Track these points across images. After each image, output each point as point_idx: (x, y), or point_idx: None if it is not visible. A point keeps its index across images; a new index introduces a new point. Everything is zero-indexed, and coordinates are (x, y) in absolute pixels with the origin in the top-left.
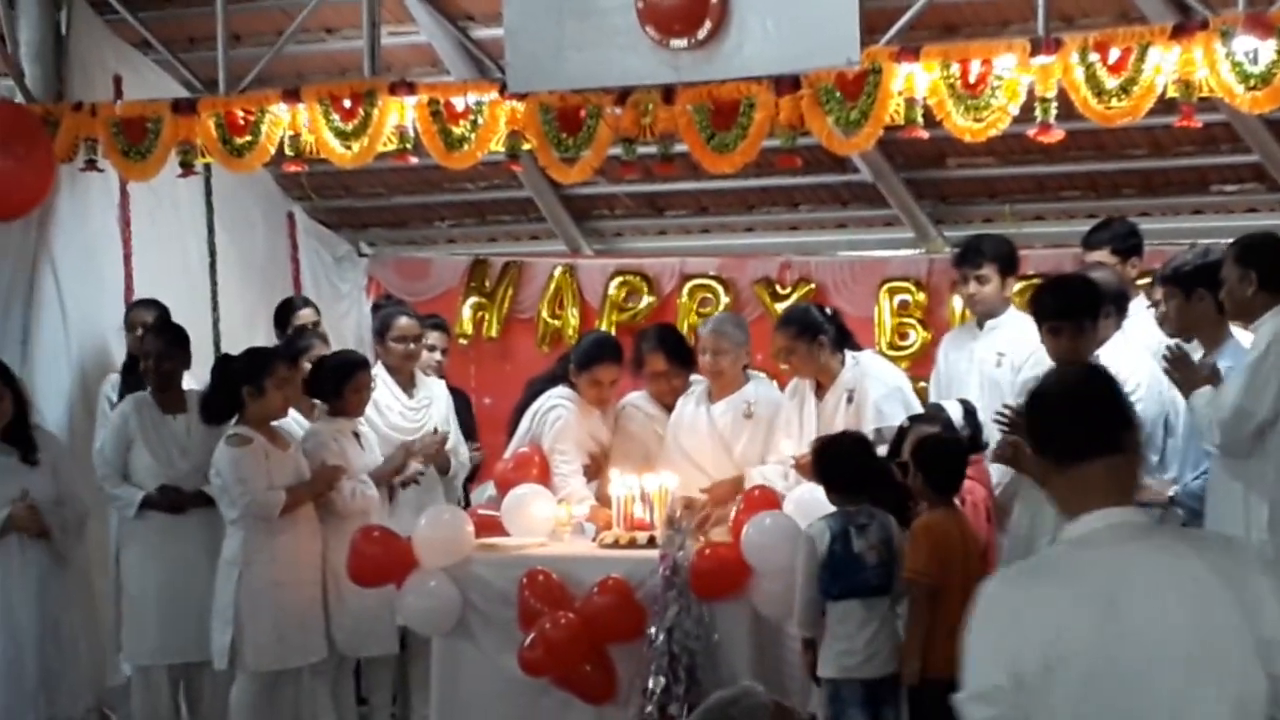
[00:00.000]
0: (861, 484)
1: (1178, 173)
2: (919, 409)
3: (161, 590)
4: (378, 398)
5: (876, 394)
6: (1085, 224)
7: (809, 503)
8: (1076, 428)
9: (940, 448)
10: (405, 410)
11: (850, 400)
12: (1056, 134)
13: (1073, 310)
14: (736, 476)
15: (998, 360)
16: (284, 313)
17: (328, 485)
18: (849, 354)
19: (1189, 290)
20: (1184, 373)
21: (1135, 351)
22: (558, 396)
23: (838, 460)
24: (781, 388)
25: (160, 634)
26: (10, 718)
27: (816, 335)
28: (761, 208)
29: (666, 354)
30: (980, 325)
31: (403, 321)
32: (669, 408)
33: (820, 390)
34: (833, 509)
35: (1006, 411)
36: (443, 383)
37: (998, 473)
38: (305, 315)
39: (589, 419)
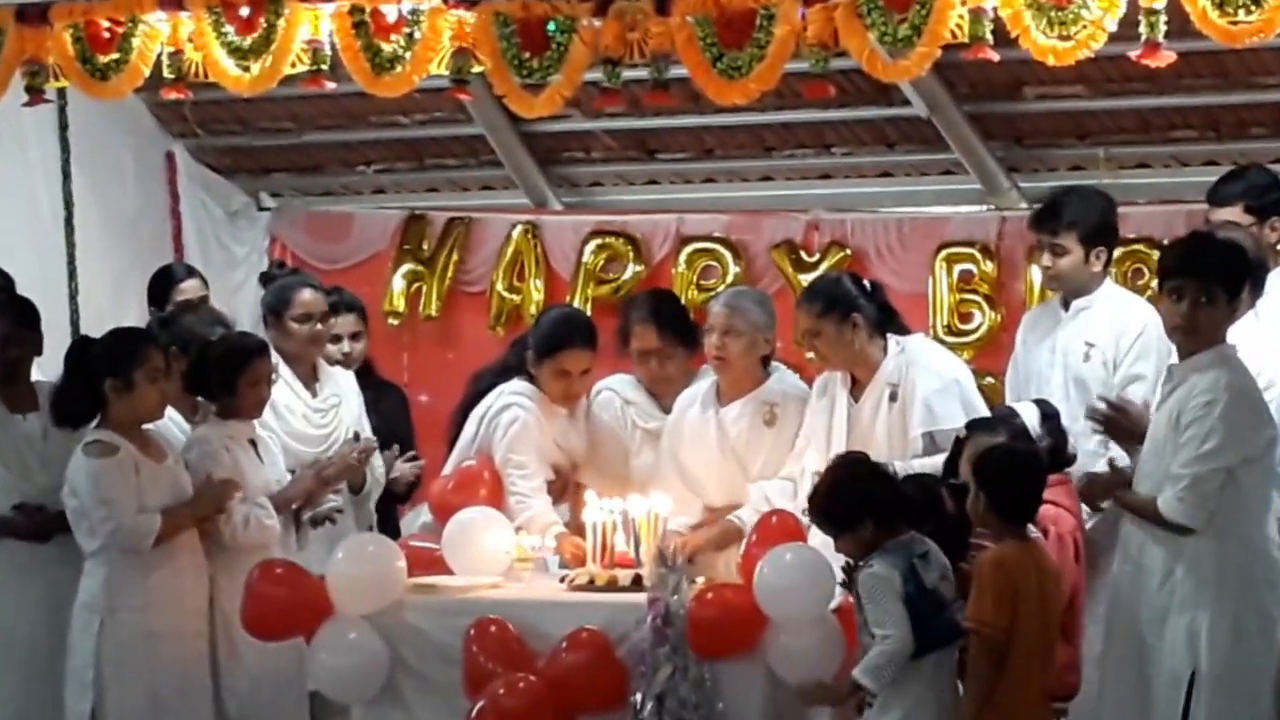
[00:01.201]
0: (895, 511)
1: None
2: (983, 411)
3: (15, 644)
4: (276, 397)
5: (926, 388)
6: (1202, 173)
7: None
8: None
9: (1010, 461)
10: (310, 412)
11: (894, 399)
12: (1166, 56)
13: (1205, 269)
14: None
15: (1086, 353)
16: (161, 284)
17: (216, 506)
18: (892, 339)
19: None
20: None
21: (1272, 337)
22: (512, 393)
23: (829, 505)
24: (807, 380)
25: (12, 701)
26: None
27: (849, 313)
28: (783, 150)
29: (660, 326)
30: (1065, 306)
31: (306, 295)
32: (659, 397)
33: (856, 388)
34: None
35: (1101, 407)
36: (351, 375)
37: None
38: (189, 288)
39: (553, 421)
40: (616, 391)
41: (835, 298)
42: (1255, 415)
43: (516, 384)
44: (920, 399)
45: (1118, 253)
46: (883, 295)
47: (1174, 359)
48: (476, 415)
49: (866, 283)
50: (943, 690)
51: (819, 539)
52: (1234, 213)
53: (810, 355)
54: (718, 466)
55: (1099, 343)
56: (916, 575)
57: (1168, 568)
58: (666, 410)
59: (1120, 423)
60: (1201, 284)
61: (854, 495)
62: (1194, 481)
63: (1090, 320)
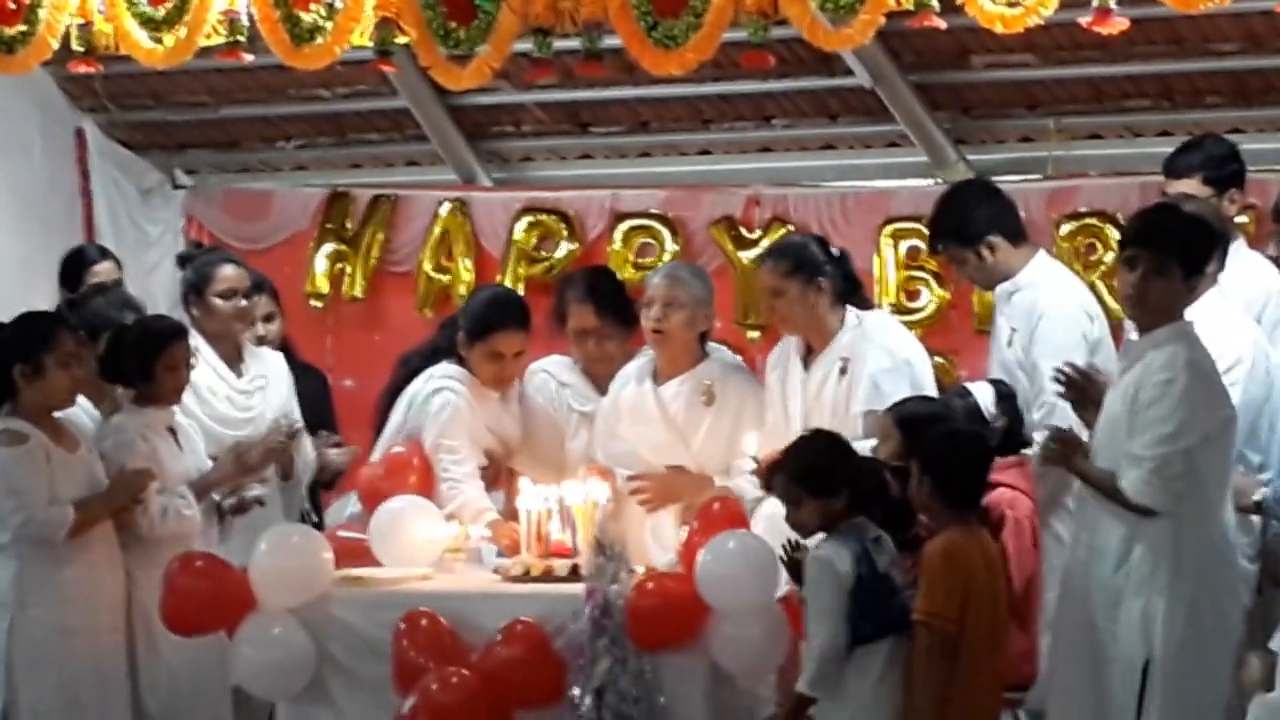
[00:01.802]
0: (855, 493)
1: None
2: (932, 393)
3: None
4: (198, 379)
5: (876, 366)
6: (1156, 144)
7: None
8: None
9: (954, 443)
10: (234, 394)
11: (844, 372)
12: (1119, 23)
13: (1160, 241)
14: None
15: (1009, 337)
16: (73, 266)
17: (131, 496)
18: (852, 311)
19: None
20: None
21: (1234, 315)
22: (442, 376)
23: (813, 465)
24: (749, 361)
25: None
26: None
27: (814, 276)
28: (721, 123)
29: (598, 305)
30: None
31: (227, 271)
32: (596, 379)
33: (810, 356)
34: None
35: (1068, 370)
36: (280, 356)
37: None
38: (103, 270)
39: (485, 405)
40: (551, 374)
41: (803, 259)
42: (1212, 394)
43: (446, 367)
44: (868, 375)
45: (1070, 226)
46: (848, 264)
47: (1132, 334)
48: (405, 399)
49: (834, 249)
50: (896, 683)
51: (762, 526)
52: (1192, 185)
53: (770, 315)
54: (659, 443)
55: (1020, 327)
56: (870, 558)
57: (1124, 550)
58: (603, 393)
59: (1088, 391)
60: (1155, 255)
61: (836, 463)
62: (1160, 464)
63: (1015, 303)
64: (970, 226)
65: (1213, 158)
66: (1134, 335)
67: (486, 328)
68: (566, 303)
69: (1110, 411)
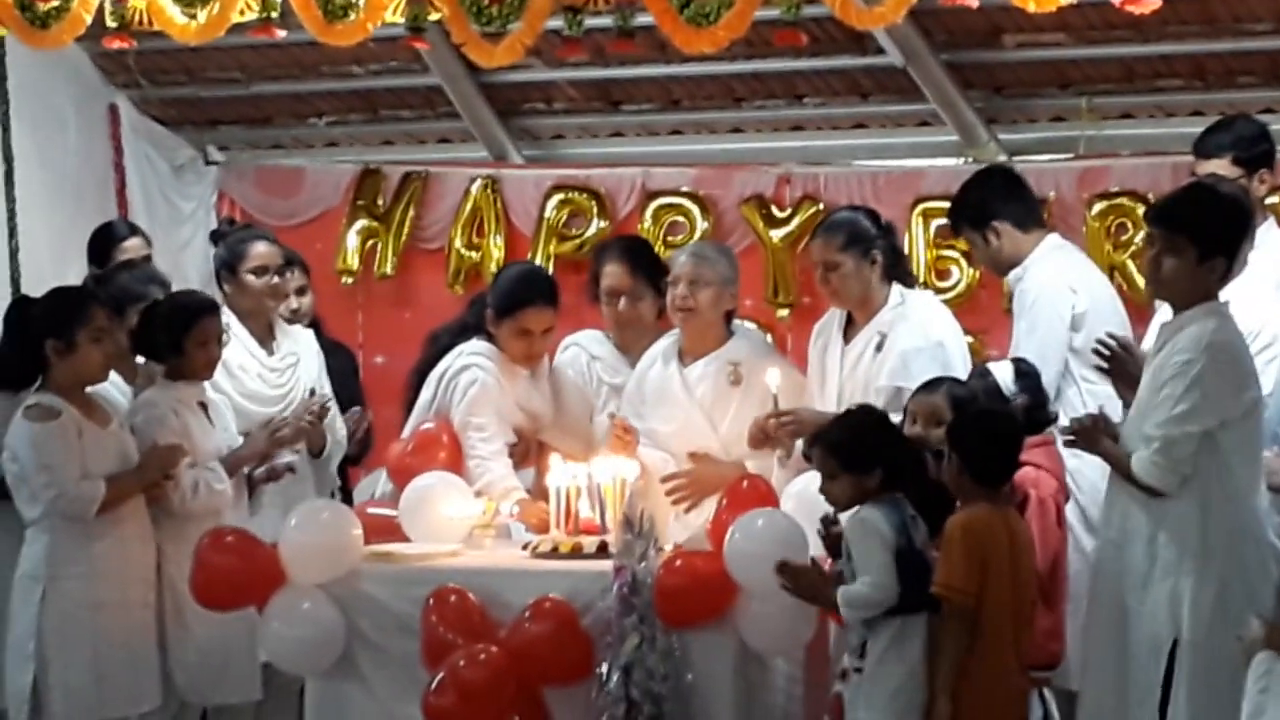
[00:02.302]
0: (898, 469)
1: None
2: (963, 376)
3: None
4: (229, 357)
5: (909, 344)
6: (1188, 123)
7: (815, 499)
8: None
9: (984, 422)
10: (265, 371)
11: (879, 348)
12: (1151, 2)
13: (1174, 220)
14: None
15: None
16: (102, 243)
17: (163, 471)
18: (897, 289)
19: None
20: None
21: (1263, 293)
22: (471, 353)
23: (851, 440)
24: (778, 339)
25: None
26: None
27: (869, 249)
28: (753, 101)
29: (632, 264)
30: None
31: (260, 248)
32: (627, 349)
33: (851, 330)
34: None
35: (1110, 343)
36: (310, 333)
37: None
38: (131, 247)
39: (514, 382)
40: (583, 346)
41: (857, 232)
42: (1236, 377)
43: (475, 344)
44: (898, 352)
45: (1101, 206)
46: (895, 237)
47: (1164, 315)
48: (434, 377)
49: (884, 221)
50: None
51: (791, 504)
52: (1222, 165)
53: (822, 287)
54: (684, 424)
55: (1018, 311)
56: (908, 532)
57: (1151, 532)
58: (634, 365)
59: (1127, 363)
60: (1167, 233)
61: (876, 439)
62: (1166, 444)
63: (1018, 291)
64: (978, 210)
65: (1243, 138)
66: (1166, 316)
67: (515, 304)
68: (602, 263)
69: (1141, 392)
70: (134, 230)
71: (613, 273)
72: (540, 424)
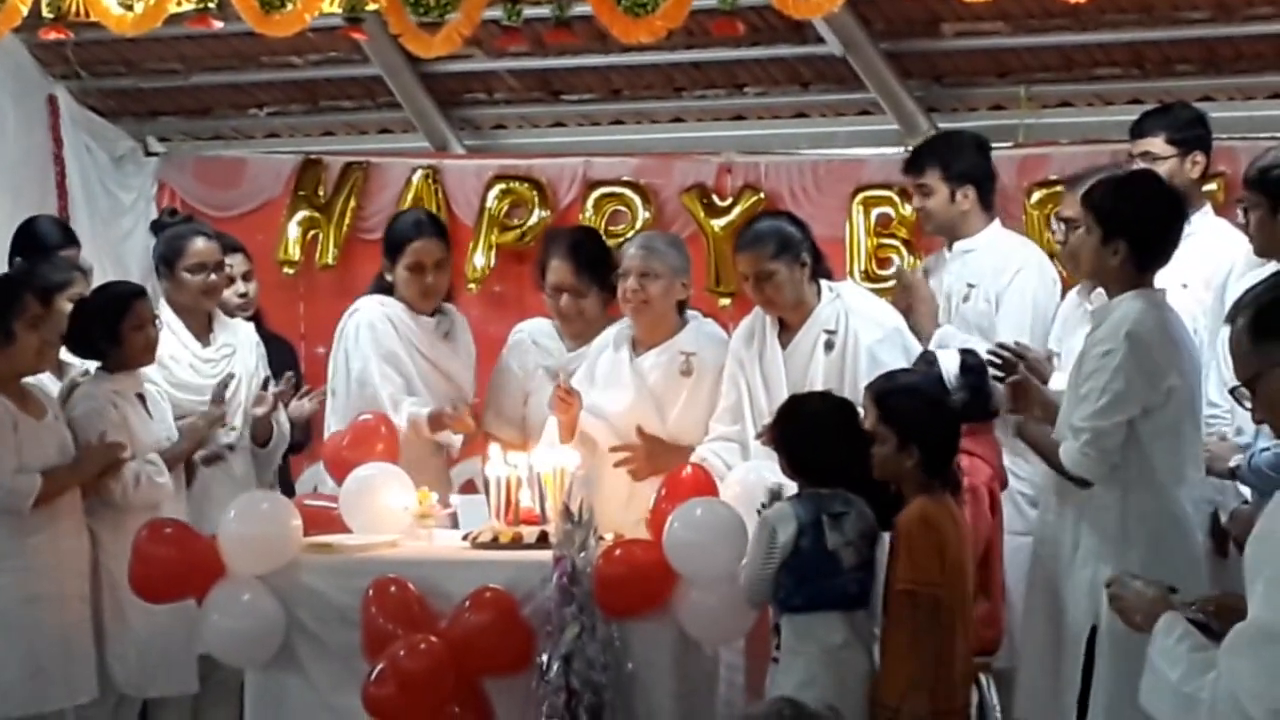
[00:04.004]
0: (839, 464)
1: (1251, 43)
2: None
3: None
4: (161, 348)
5: (870, 339)
6: (1126, 111)
7: (756, 486)
8: None
9: (939, 413)
10: (198, 362)
11: (830, 347)
12: None
13: (1087, 197)
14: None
15: (966, 293)
16: (24, 238)
17: (101, 468)
18: (825, 284)
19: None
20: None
21: (1184, 282)
22: (358, 303)
23: (811, 428)
24: (721, 327)
25: None
26: None
27: (799, 254)
28: (693, 91)
29: (577, 262)
30: (949, 246)
31: (199, 244)
32: (573, 341)
33: (785, 332)
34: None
35: (1003, 353)
36: (250, 326)
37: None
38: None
39: (417, 325)
40: (528, 333)
41: (786, 238)
42: (1154, 365)
43: (365, 297)
44: (865, 349)
45: (1040, 194)
46: (811, 235)
47: (1071, 302)
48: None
49: (800, 221)
50: (858, 652)
51: (732, 492)
52: (1155, 143)
53: (755, 298)
54: (634, 414)
55: (980, 282)
56: (818, 532)
57: (1075, 519)
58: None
59: (1019, 368)
60: (1082, 211)
61: (820, 440)
62: (1096, 435)
63: (972, 262)
64: (958, 165)
65: (1178, 120)
66: (1072, 303)
67: (402, 239)
68: (548, 257)
69: (1070, 378)
70: (68, 238)
71: (558, 269)
72: (459, 383)
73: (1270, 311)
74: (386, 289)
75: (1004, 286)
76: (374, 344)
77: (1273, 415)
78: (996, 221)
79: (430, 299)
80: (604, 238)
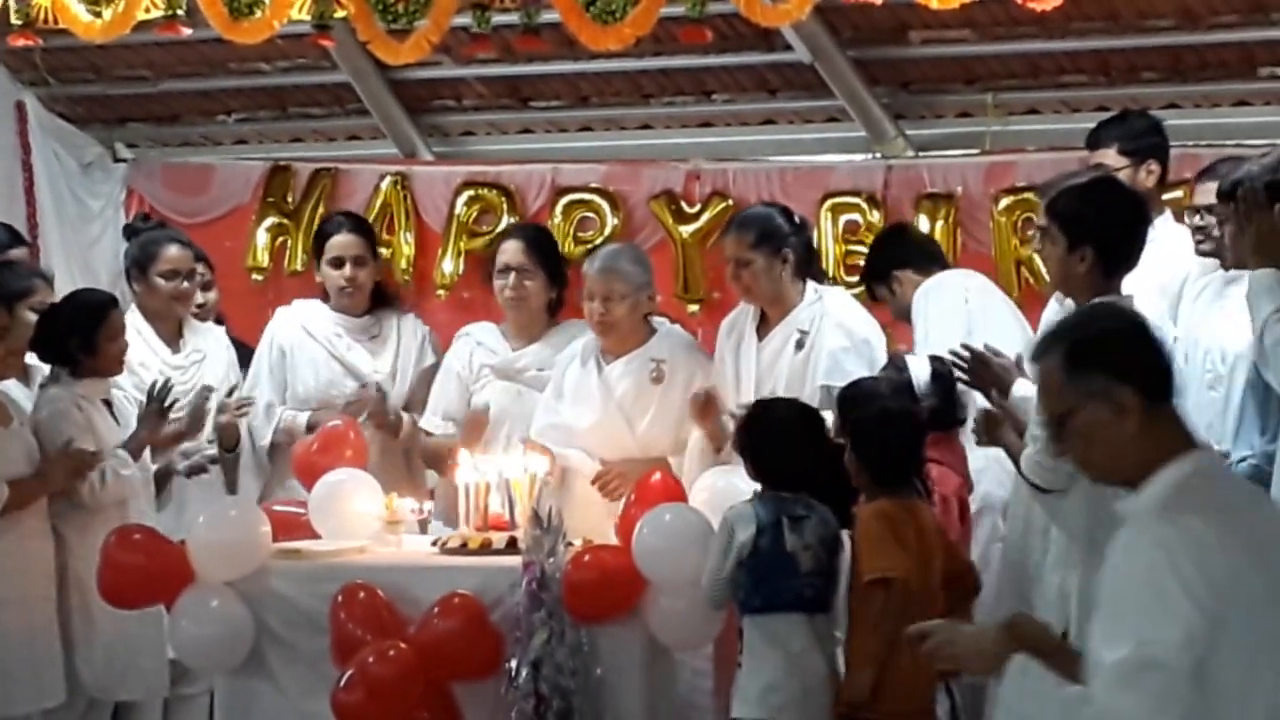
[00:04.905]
0: (803, 471)
1: (1215, 51)
2: None
3: None
4: (131, 354)
5: (835, 344)
6: (1093, 119)
7: (725, 492)
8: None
9: (881, 422)
10: (167, 369)
11: (800, 346)
12: None
13: (1047, 206)
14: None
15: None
16: None
17: (70, 478)
18: (812, 285)
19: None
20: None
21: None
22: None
23: (775, 434)
24: (689, 334)
25: None
26: None
27: (781, 248)
28: (661, 98)
29: (527, 242)
30: None
31: (172, 251)
32: (516, 336)
33: (764, 326)
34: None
35: (964, 353)
36: (221, 330)
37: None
38: (14, 256)
39: (330, 327)
40: (473, 335)
41: (770, 230)
42: None
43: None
44: (828, 351)
45: (1007, 201)
46: (809, 234)
47: (1054, 309)
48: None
49: (797, 218)
50: (819, 658)
51: (701, 499)
52: (1108, 155)
53: (733, 283)
54: (602, 426)
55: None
56: (777, 533)
57: (1045, 525)
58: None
59: (983, 374)
60: (1046, 221)
61: (793, 441)
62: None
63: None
64: (878, 264)
65: (1130, 129)
66: (1055, 310)
67: (324, 236)
68: (500, 243)
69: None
70: (16, 239)
71: (509, 249)
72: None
73: (1086, 345)
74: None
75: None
76: (268, 349)
77: (1085, 451)
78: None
79: (353, 296)
80: (560, 243)
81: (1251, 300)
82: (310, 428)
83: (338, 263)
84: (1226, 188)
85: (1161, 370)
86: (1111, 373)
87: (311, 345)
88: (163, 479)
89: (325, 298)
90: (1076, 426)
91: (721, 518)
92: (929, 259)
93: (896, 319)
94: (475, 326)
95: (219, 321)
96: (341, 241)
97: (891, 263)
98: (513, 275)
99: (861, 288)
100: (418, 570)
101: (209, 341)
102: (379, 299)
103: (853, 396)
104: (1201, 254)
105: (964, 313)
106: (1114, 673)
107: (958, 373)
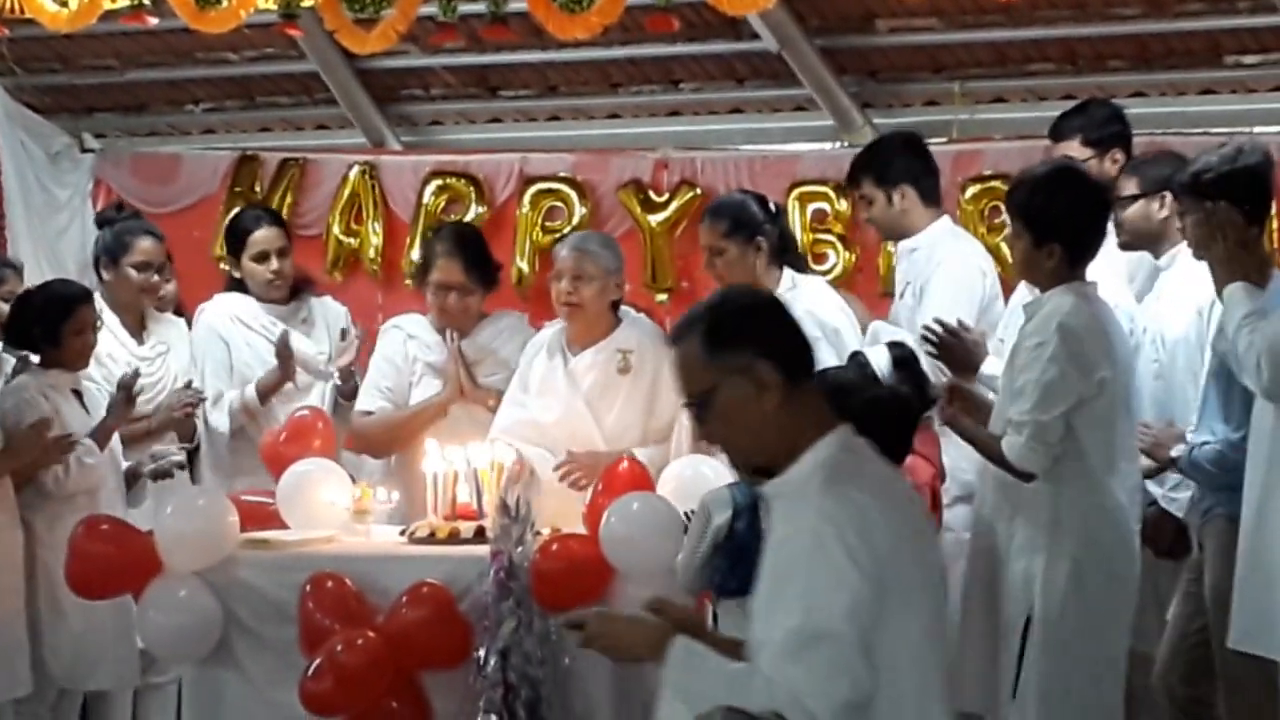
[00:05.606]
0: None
1: (1182, 39)
2: None
3: None
4: (99, 346)
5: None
6: (1060, 107)
7: (692, 481)
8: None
9: (876, 408)
10: (135, 360)
11: None
12: None
13: (1009, 197)
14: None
15: (902, 290)
16: None
17: (31, 452)
18: (788, 273)
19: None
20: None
21: (1108, 278)
22: (205, 304)
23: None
24: (657, 324)
25: None
26: None
27: (754, 236)
28: (629, 87)
29: (466, 261)
30: (895, 246)
31: (146, 243)
32: (452, 332)
33: None
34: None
35: (937, 329)
36: (182, 322)
37: None
38: None
39: (261, 317)
40: (402, 327)
41: (743, 218)
42: (1085, 356)
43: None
44: None
45: (974, 189)
46: (786, 223)
47: (1021, 296)
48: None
49: (773, 205)
50: None
51: (669, 488)
52: (1072, 146)
53: (709, 269)
54: (569, 418)
55: (914, 279)
56: (754, 516)
57: (1010, 511)
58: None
59: (954, 348)
60: (1012, 218)
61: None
62: (1039, 429)
63: (914, 260)
64: (890, 170)
65: (1093, 119)
66: (1022, 297)
67: (244, 232)
68: (434, 256)
69: (1003, 376)
70: None
71: (446, 267)
72: (313, 369)
73: (725, 322)
74: (239, 287)
75: (927, 280)
76: (209, 343)
77: (728, 428)
78: (945, 218)
79: (280, 288)
80: (480, 232)
81: (1225, 315)
82: (261, 394)
83: (263, 257)
84: (1187, 180)
85: (800, 347)
86: (751, 348)
87: (252, 336)
88: (131, 479)
89: (240, 289)
90: (718, 405)
91: (699, 502)
92: (933, 195)
93: (882, 234)
94: (404, 319)
95: (178, 313)
96: (265, 236)
97: (903, 175)
98: (453, 295)
99: (831, 270)
100: (386, 560)
101: (171, 333)
102: (295, 285)
103: (841, 386)
104: (1123, 248)
105: (981, 288)
106: (784, 644)
107: (926, 347)
